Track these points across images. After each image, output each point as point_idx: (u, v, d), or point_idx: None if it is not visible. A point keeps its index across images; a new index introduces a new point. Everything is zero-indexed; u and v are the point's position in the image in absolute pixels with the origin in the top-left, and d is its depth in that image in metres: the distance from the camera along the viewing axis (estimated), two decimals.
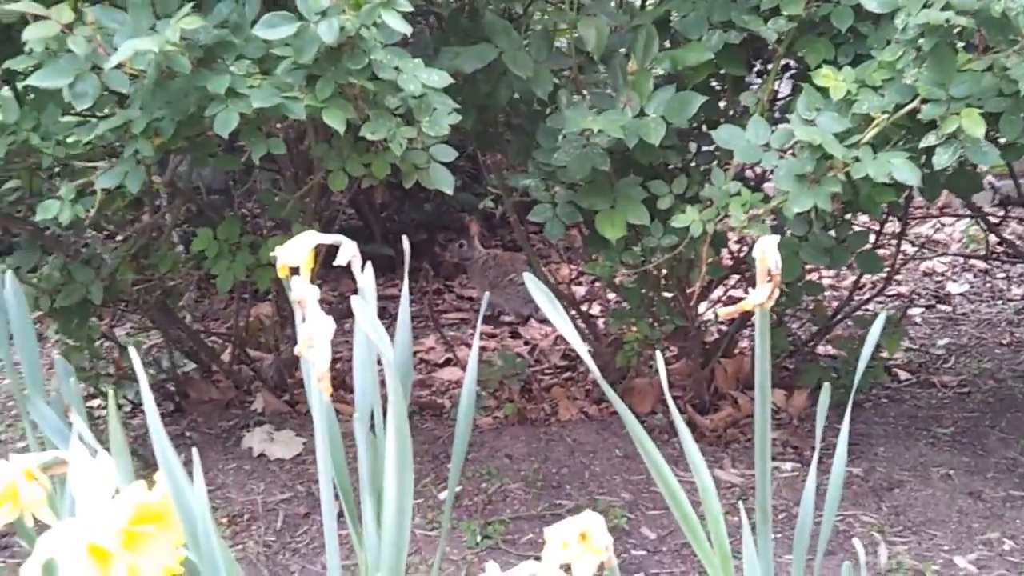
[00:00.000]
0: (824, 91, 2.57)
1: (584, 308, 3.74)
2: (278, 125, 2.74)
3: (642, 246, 2.95)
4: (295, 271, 1.75)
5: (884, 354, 3.52)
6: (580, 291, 4.44)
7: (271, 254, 1.83)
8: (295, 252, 1.78)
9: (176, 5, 2.49)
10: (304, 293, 1.66)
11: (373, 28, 2.39)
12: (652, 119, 2.74)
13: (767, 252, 1.69)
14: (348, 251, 1.85)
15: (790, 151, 2.59)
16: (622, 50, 2.90)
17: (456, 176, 2.68)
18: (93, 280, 3.12)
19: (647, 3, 3.22)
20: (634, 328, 3.30)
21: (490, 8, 2.99)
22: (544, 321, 4.19)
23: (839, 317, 3.61)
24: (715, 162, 2.97)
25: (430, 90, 2.50)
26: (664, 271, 3.19)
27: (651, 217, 2.86)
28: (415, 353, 3.86)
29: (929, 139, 2.46)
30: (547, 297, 1.87)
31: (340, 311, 3.54)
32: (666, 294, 3.30)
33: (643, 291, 3.30)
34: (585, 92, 2.90)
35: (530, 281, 1.90)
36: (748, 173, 3.15)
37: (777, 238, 1.72)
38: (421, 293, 4.36)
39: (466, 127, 2.80)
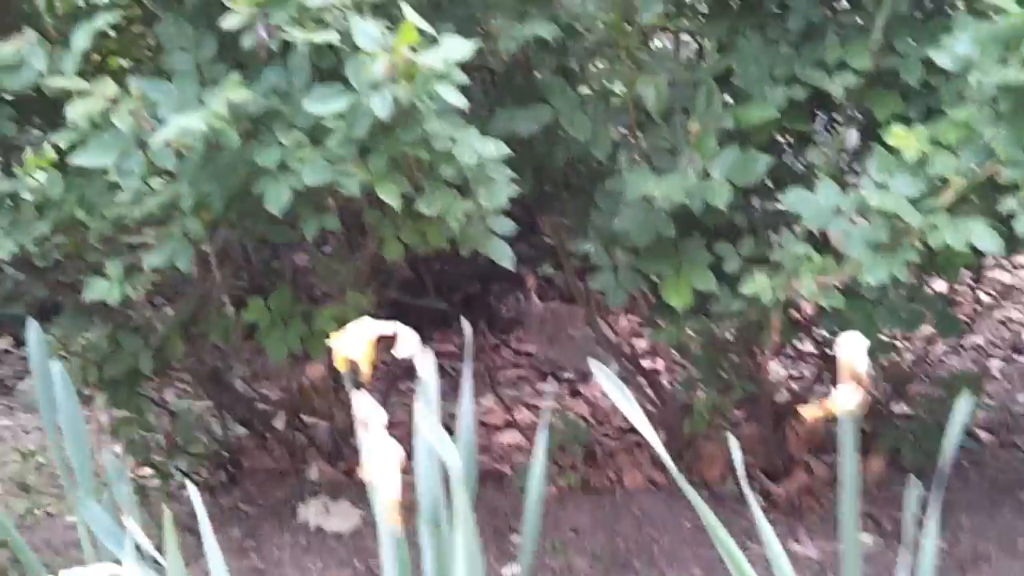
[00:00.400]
0: (895, 151, 2.45)
1: (647, 363, 3.62)
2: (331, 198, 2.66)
3: (709, 312, 2.83)
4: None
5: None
6: (641, 343, 4.30)
7: (324, 327, 1.76)
8: (353, 346, 1.70)
9: (223, 71, 2.42)
10: (368, 414, 1.55)
11: (427, 100, 2.29)
12: (717, 181, 2.63)
13: (853, 356, 1.58)
14: (408, 344, 1.77)
15: (862, 216, 2.48)
16: (682, 107, 2.80)
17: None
18: (142, 349, 3.05)
19: (705, 55, 3.11)
20: (702, 395, 3.18)
21: (545, 66, 2.89)
22: None
23: (915, 375, 3.47)
24: (782, 221, 2.86)
25: (487, 160, 2.40)
26: (732, 335, 3.08)
27: (717, 279, 2.75)
28: None
29: (1010, 204, 2.34)
30: (614, 382, 1.78)
31: (398, 372, 3.46)
32: (734, 357, 3.17)
33: (711, 358, 3.17)
34: (646, 149, 2.80)
35: (596, 367, 1.82)
36: None
37: (862, 338, 1.61)
38: (477, 351, 4.25)
39: (524, 193, 2.69)
